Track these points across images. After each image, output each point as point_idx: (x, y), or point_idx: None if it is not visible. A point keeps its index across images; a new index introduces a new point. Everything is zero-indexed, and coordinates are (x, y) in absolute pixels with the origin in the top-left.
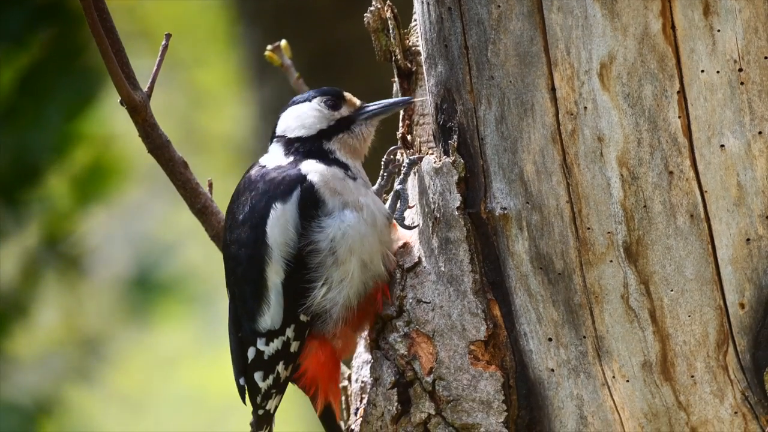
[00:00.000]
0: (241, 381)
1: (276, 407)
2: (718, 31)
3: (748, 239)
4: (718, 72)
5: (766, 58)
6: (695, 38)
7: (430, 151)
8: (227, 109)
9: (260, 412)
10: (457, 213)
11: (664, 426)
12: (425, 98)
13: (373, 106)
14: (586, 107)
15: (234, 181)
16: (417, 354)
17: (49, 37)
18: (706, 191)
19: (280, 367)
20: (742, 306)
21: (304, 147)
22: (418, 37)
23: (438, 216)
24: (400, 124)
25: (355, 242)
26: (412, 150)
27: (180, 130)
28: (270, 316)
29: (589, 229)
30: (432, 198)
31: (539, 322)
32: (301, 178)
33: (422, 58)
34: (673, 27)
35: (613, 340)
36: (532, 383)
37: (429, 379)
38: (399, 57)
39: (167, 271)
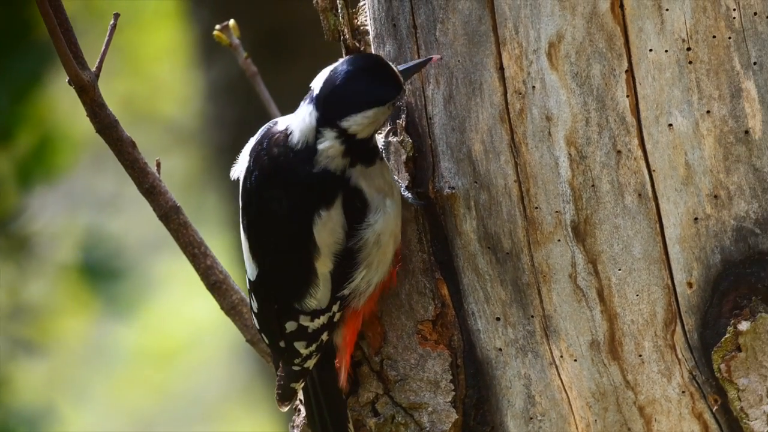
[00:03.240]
0: (281, 344)
1: (313, 364)
2: (667, 10)
3: (696, 218)
4: (666, 51)
5: (714, 37)
6: (644, 17)
7: (379, 131)
8: (175, 89)
9: (297, 368)
10: (408, 195)
11: (611, 405)
12: (429, 59)
13: (403, 70)
14: (534, 86)
15: (182, 163)
16: (365, 333)
17: None
18: (654, 170)
19: (324, 336)
20: (690, 285)
21: (362, 147)
22: (366, 16)
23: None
24: None
25: (392, 227)
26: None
27: (127, 110)
28: (317, 299)
29: (537, 208)
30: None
31: (487, 301)
32: (345, 185)
33: (371, 37)
34: (622, 6)
35: (560, 319)
36: (480, 363)
37: (377, 359)
38: (347, 36)
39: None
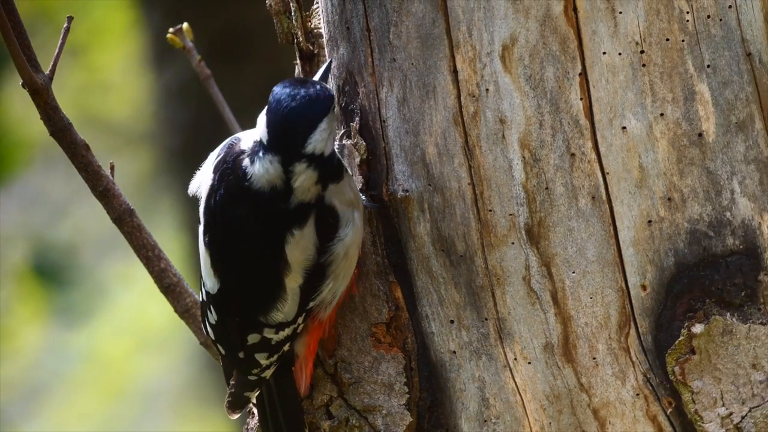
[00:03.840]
0: (240, 355)
1: (270, 374)
2: (620, 13)
3: (649, 221)
4: (620, 54)
5: (667, 40)
6: (597, 20)
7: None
8: (128, 92)
9: (254, 378)
10: (364, 199)
11: (566, 408)
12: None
13: (319, 77)
14: (488, 89)
15: (135, 165)
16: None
17: None
18: (607, 173)
19: (286, 347)
20: (644, 288)
21: (331, 166)
22: (320, 19)
23: None
24: None
25: (359, 237)
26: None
27: (81, 113)
28: (284, 312)
29: (490, 211)
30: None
31: (441, 304)
32: (319, 202)
33: (324, 40)
34: (575, 9)
35: (515, 322)
36: (434, 365)
37: (331, 361)
38: (301, 39)
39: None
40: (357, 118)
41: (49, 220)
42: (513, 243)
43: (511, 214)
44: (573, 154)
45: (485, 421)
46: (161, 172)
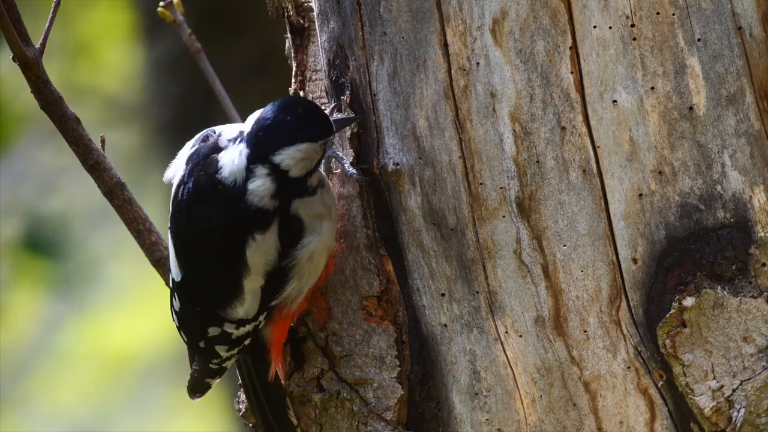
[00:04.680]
0: (201, 344)
1: (231, 364)
2: None
3: (640, 194)
4: (610, 28)
5: (658, 13)
6: None
7: (323, 107)
8: (119, 66)
9: (215, 367)
10: (351, 171)
11: (557, 381)
12: (359, 117)
13: (334, 121)
14: (478, 63)
15: (125, 139)
16: (310, 309)
17: None
18: (598, 146)
19: (246, 341)
20: (635, 261)
21: (295, 187)
22: None
23: (331, 172)
24: (293, 80)
25: (326, 242)
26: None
27: (71, 87)
28: (243, 309)
29: (481, 184)
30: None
31: (432, 277)
32: (283, 211)
33: (315, 14)
34: None
35: (505, 295)
36: (425, 338)
37: (322, 334)
38: (291, 13)
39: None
40: (347, 92)
41: (40, 194)
42: (504, 216)
43: (501, 188)
44: (564, 128)
45: (476, 394)
46: (152, 145)
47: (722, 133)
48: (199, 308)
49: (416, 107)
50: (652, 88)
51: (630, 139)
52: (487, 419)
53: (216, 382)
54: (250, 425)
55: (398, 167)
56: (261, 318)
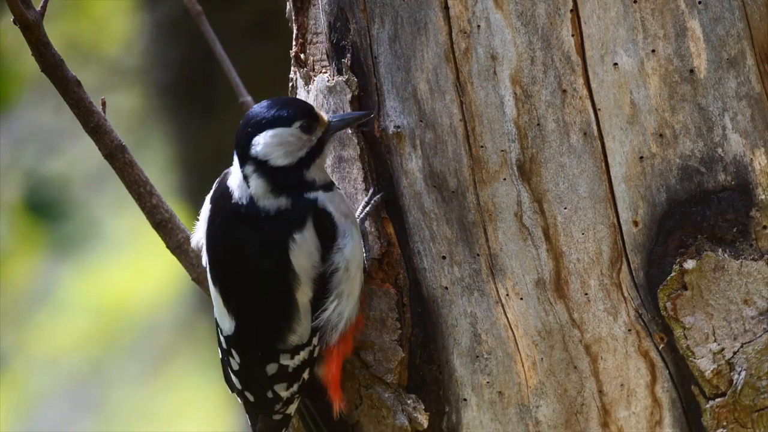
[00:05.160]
0: (269, 394)
1: (294, 410)
2: None
3: (641, 157)
4: None
5: None
6: None
7: (324, 70)
8: (119, 28)
9: (278, 417)
10: (350, 131)
11: (557, 344)
12: (373, 112)
13: (336, 120)
14: (479, 26)
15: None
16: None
17: None
18: (599, 109)
19: (305, 374)
20: (636, 224)
21: (288, 179)
22: None
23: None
24: (293, 43)
25: (358, 256)
26: (305, 69)
27: (72, 50)
28: (299, 334)
29: (482, 147)
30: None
31: (433, 240)
32: (313, 207)
33: None
34: None
35: (506, 258)
36: (426, 301)
37: None
38: None
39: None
40: (348, 55)
41: (41, 156)
42: (505, 179)
43: (502, 151)
44: (564, 91)
45: (477, 356)
46: (152, 108)
47: (723, 95)
48: (258, 352)
49: (417, 70)
50: (653, 50)
51: (631, 102)
52: (488, 382)
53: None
54: None
55: (399, 130)
56: (314, 341)
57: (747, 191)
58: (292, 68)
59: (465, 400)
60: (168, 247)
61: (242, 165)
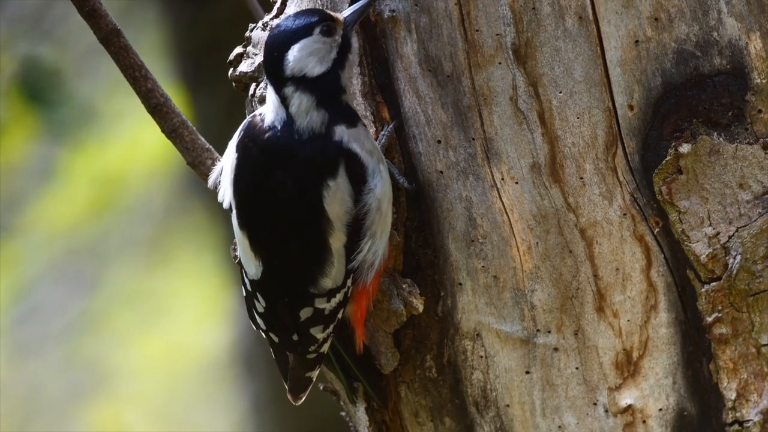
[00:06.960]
0: (294, 337)
1: (328, 347)
2: None
3: (636, 41)
4: None
5: None
6: None
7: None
8: None
9: (313, 356)
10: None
11: (553, 228)
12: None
13: (350, 14)
14: None
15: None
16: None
17: None
18: None
19: (339, 314)
20: (631, 108)
21: (329, 86)
22: None
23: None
24: None
25: (389, 193)
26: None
27: None
28: (333, 277)
29: (477, 31)
30: (320, 1)
31: (428, 124)
32: (343, 151)
33: None
34: None
35: (502, 142)
36: (421, 185)
37: None
38: None
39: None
40: None
41: (35, 40)
42: (500, 63)
43: (498, 34)
44: None
45: (472, 240)
46: None
47: None
48: (286, 298)
49: None
50: None
51: None
52: (483, 266)
53: (316, 374)
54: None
55: (394, 14)
56: (348, 283)
57: (742, 75)
58: None
59: (460, 284)
60: (163, 131)
61: (279, 89)
